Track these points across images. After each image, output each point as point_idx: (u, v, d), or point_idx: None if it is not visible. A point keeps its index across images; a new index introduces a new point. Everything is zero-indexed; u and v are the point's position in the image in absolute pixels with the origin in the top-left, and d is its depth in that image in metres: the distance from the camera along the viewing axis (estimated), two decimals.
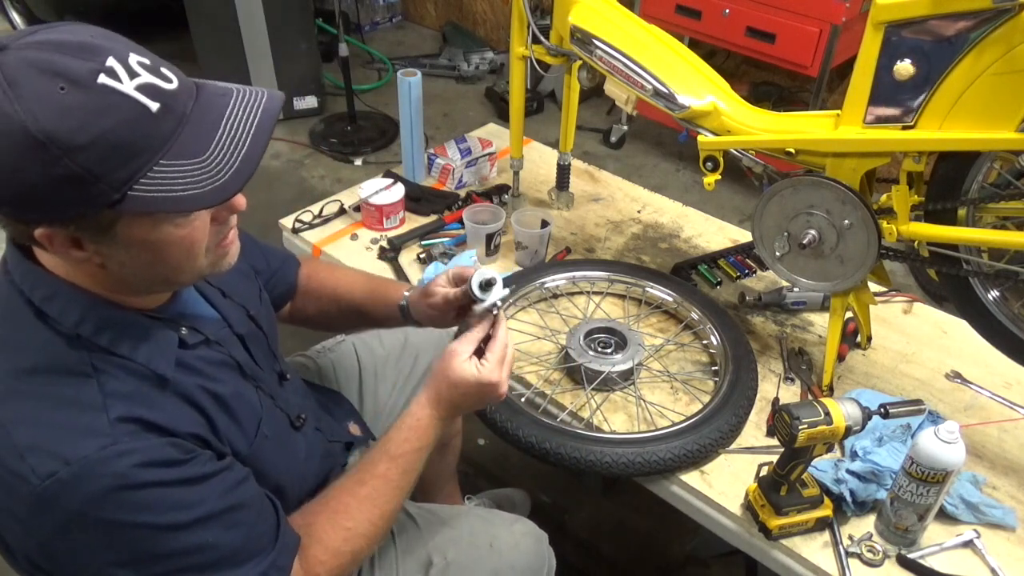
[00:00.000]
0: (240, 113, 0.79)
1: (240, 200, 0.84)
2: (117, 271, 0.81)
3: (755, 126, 1.38)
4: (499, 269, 1.75)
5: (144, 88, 0.72)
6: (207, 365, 0.92)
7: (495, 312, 1.07)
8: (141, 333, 0.85)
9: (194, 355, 0.91)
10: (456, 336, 1.12)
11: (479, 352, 1.06)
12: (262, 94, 0.81)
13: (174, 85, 0.75)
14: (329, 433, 1.22)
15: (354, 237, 1.83)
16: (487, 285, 1.07)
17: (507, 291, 1.08)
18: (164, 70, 0.75)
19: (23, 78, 0.67)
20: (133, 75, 0.72)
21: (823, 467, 1.25)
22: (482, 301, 1.07)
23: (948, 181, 1.24)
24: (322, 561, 0.95)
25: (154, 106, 0.72)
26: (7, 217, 0.75)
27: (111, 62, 0.71)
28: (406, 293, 1.26)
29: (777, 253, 1.40)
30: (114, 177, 0.71)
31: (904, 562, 1.16)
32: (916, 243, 1.34)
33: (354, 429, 1.31)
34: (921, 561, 1.16)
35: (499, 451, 2.08)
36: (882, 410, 1.14)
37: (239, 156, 0.77)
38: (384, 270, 1.74)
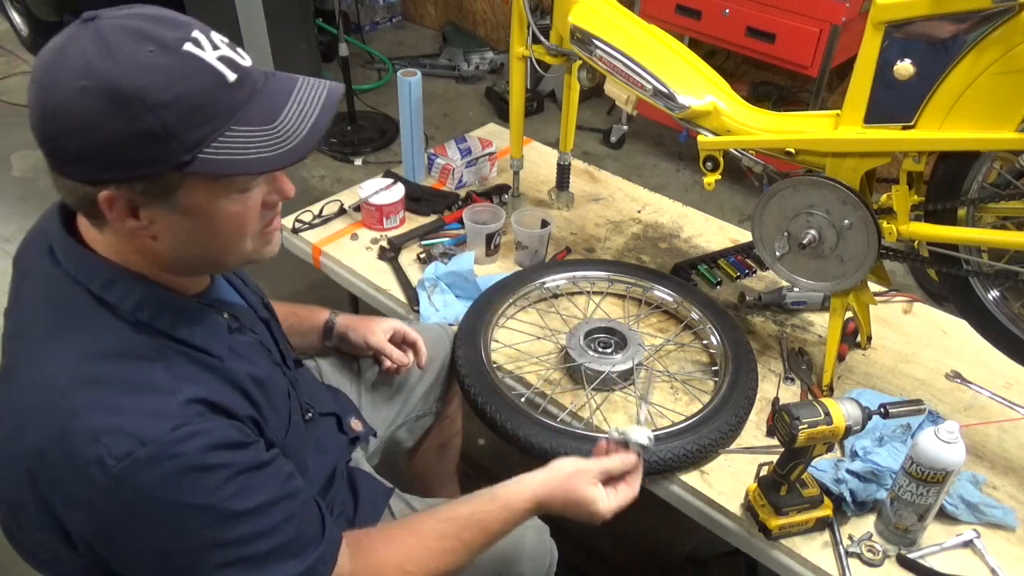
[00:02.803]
0: (307, 91, 0.84)
1: (289, 187, 0.88)
2: (168, 246, 0.82)
3: (755, 126, 1.38)
4: (499, 269, 1.75)
5: (224, 59, 0.78)
6: (248, 350, 0.95)
7: (643, 458, 1.10)
8: (194, 318, 0.88)
9: (236, 340, 0.93)
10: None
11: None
12: (326, 82, 0.87)
13: (249, 63, 0.81)
14: (335, 426, 1.25)
15: (354, 237, 1.83)
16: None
17: (652, 440, 1.10)
18: (240, 51, 0.82)
19: (116, 40, 0.73)
20: (215, 47, 0.78)
21: (823, 467, 1.25)
22: (638, 444, 1.08)
23: (948, 181, 1.24)
24: None
25: (231, 76, 0.78)
26: (76, 178, 0.77)
27: (196, 34, 0.77)
28: (332, 317, 1.38)
29: (777, 253, 1.40)
30: (188, 138, 0.75)
31: (904, 562, 1.16)
32: (916, 243, 1.34)
33: (356, 425, 1.32)
34: (921, 561, 1.16)
35: (499, 451, 2.07)
36: (882, 410, 1.14)
37: (307, 124, 0.82)
38: (384, 270, 1.74)
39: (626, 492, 1.07)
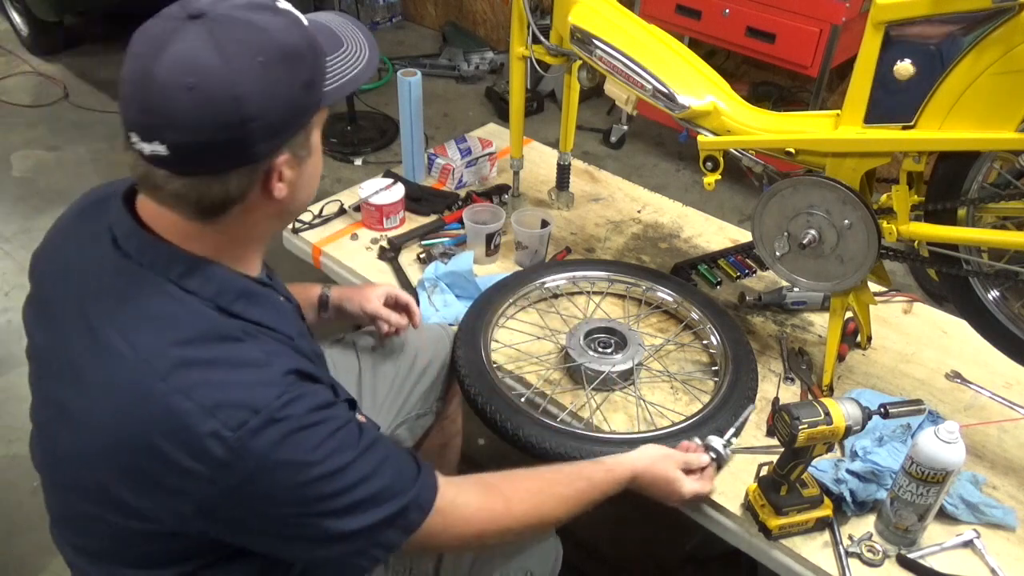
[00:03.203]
0: (338, 17, 0.94)
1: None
2: (291, 199, 0.88)
3: (755, 126, 1.38)
4: (499, 269, 1.75)
5: (292, 8, 0.85)
6: (304, 328, 1.02)
7: (722, 462, 1.26)
8: (262, 300, 0.91)
9: (297, 319, 1.01)
10: None
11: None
12: (342, 14, 0.97)
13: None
14: None
15: (354, 237, 1.83)
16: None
17: (727, 450, 1.26)
18: None
19: (244, 16, 0.78)
20: (282, 2, 0.84)
21: (823, 467, 1.25)
22: (715, 450, 1.25)
23: (948, 181, 1.24)
24: (450, 517, 0.98)
25: (303, 19, 0.85)
26: (260, 157, 0.81)
27: None
28: (326, 290, 1.41)
29: (777, 253, 1.40)
30: (319, 75, 0.84)
31: (904, 562, 1.16)
32: (916, 243, 1.34)
33: (361, 417, 1.32)
34: (921, 561, 1.16)
35: (499, 451, 2.07)
36: (882, 410, 1.14)
37: (364, 42, 0.92)
38: (384, 270, 1.74)
39: (703, 483, 1.21)
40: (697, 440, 1.26)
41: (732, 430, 1.29)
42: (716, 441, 1.25)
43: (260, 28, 0.77)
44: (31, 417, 1.02)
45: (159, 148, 0.77)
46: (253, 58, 0.76)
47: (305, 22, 0.84)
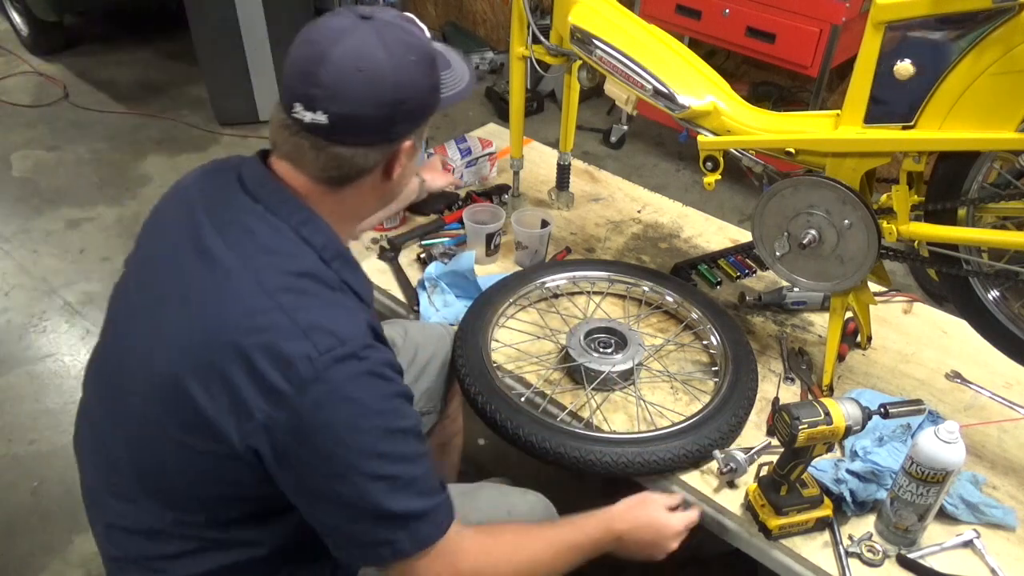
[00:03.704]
0: (442, 47, 1.10)
1: None
2: (398, 186, 1.05)
3: (755, 126, 1.38)
4: (499, 269, 1.75)
5: (426, 28, 1.03)
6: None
7: (738, 474, 1.27)
8: (354, 266, 1.03)
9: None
10: None
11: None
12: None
13: None
14: None
15: None
16: None
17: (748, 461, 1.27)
18: None
19: (400, 23, 0.97)
20: (419, 22, 1.03)
21: (823, 467, 1.25)
22: (740, 461, 1.25)
23: (948, 181, 1.24)
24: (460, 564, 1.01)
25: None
26: (399, 137, 0.98)
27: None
28: None
29: (777, 253, 1.40)
30: (438, 83, 1.01)
31: (904, 562, 1.16)
32: (916, 243, 1.34)
33: None
34: (921, 561, 1.16)
35: (499, 451, 2.07)
36: (882, 410, 1.14)
37: (466, 68, 1.10)
38: (384, 270, 1.74)
39: (690, 512, 1.21)
40: (717, 452, 1.26)
41: (759, 445, 1.30)
42: (738, 454, 1.25)
43: (412, 34, 0.96)
44: (103, 337, 1.10)
45: (320, 117, 0.92)
46: (407, 55, 0.94)
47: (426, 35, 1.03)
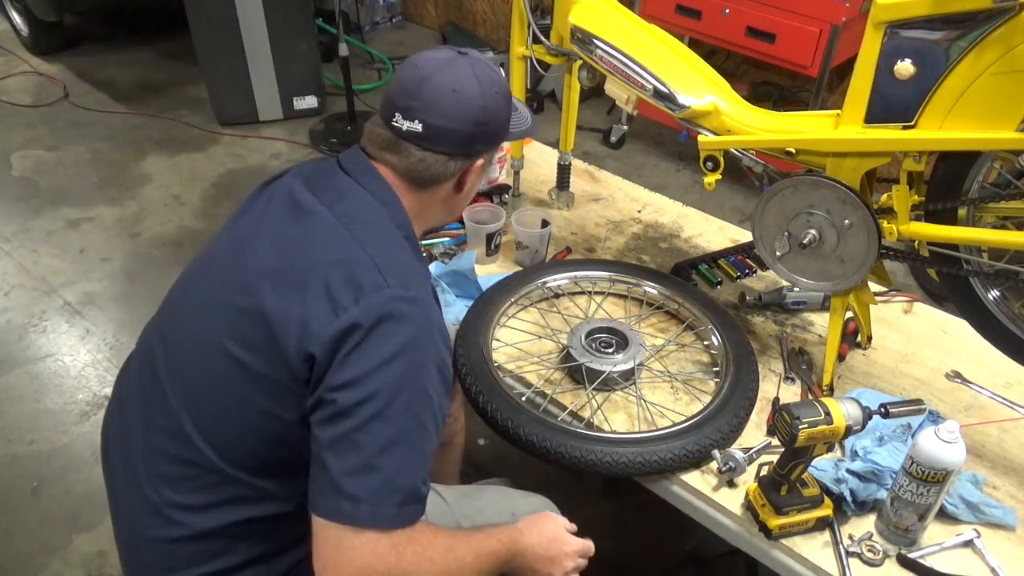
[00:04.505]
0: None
1: None
2: (464, 200, 1.22)
3: (755, 126, 1.38)
4: (499, 269, 1.75)
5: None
6: None
7: (738, 473, 1.27)
8: (418, 251, 1.16)
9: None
10: None
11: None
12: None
13: None
14: None
15: None
16: None
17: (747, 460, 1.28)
18: None
19: (491, 63, 1.16)
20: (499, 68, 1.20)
21: (823, 467, 1.25)
22: (738, 459, 1.26)
23: (948, 181, 1.24)
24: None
25: None
26: (476, 155, 1.15)
27: None
28: None
29: (777, 253, 1.40)
30: (510, 115, 1.20)
31: (904, 562, 1.16)
32: (916, 243, 1.34)
33: None
34: (921, 561, 1.16)
35: (500, 450, 2.08)
36: (882, 410, 1.14)
37: (528, 113, 1.29)
38: None
39: (587, 541, 1.23)
40: (716, 452, 1.26)
41: (759, 445, 1.30)
42: (737, 453, 1.25)
43: (497, 73, 1.16)
44: (171, 293, 1.20)
45: (416, 126, 1.09)
46: (492, 87, 1.13)
47: None
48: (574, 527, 1.24)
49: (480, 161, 1.16)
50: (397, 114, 1.09)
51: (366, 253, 1.01)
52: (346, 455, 0.95)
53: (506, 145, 1.98)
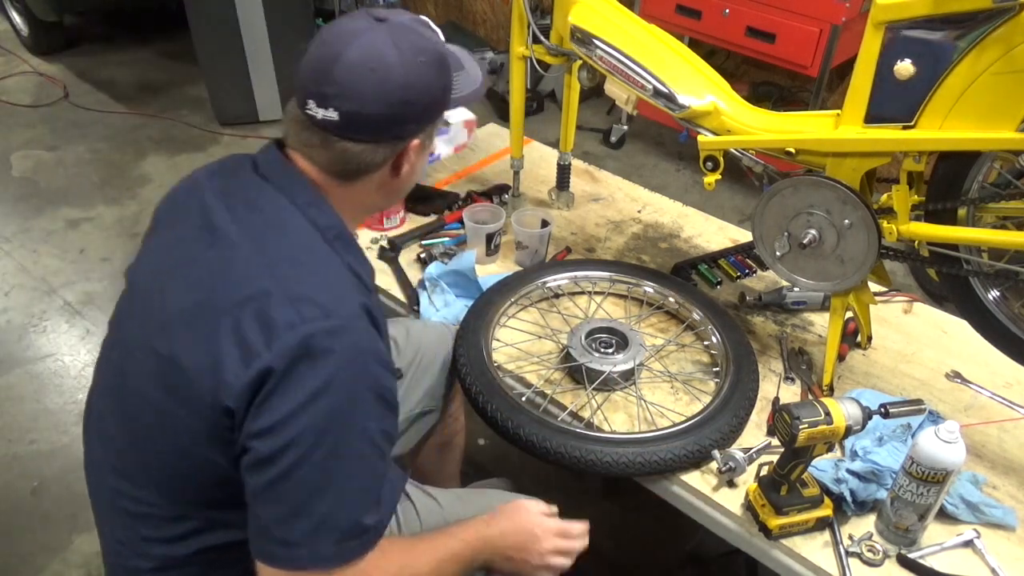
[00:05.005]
0: (457, 48, 1.12)
1: None
2: (406, 182, 1.07)
3: (755, 126, 1.38)
4: (499, 269, 1.75)
5: (439, 31, 1.05)
6: None
7: (738, 473, 1.26)
8: (356, 249, 1.04)
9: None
10: None
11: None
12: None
13: None
14: None
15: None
16: None
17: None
18: None
19: (416, 27, 1.00)
20: (432, 24, 1.05)
21: (823, 467, 1.25)
22: (738, 459, 1.25)
23: (948, 181, 1.24)
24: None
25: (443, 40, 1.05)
26: (409, 135, 1.00)
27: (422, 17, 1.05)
28: None
29: (777, 253, 1.40)
30: (450, 84, 1.03)
31: (904, 562, 1.16)
32: (916, 243, 1.34)
33: None
34: (921, 561, 1.16)
35: (500, 450, 2.08)
36: (882, 410, 1.14)
37: (478, 70, 1.11)
38: (384, 270, 1.74)
39: (572, 524, 1.20)
40: (716, 452, 1.26)
41: (759, 445, 1.30)
42: (737, 453, 1.25)
43: (424, 37, 0.99)
44: (111, 322, 1.11)
45: (332, 114, 0.94)
46: (417, 57, 0.97)
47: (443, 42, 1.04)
48: (554, 509, 1.21)
49: (415, 141, 1.02)
50: (310, 101, 0.95)
51: (280, 282, 0.91)
52: (273, 503, 0.91)
53: (505, 145, 1.98)
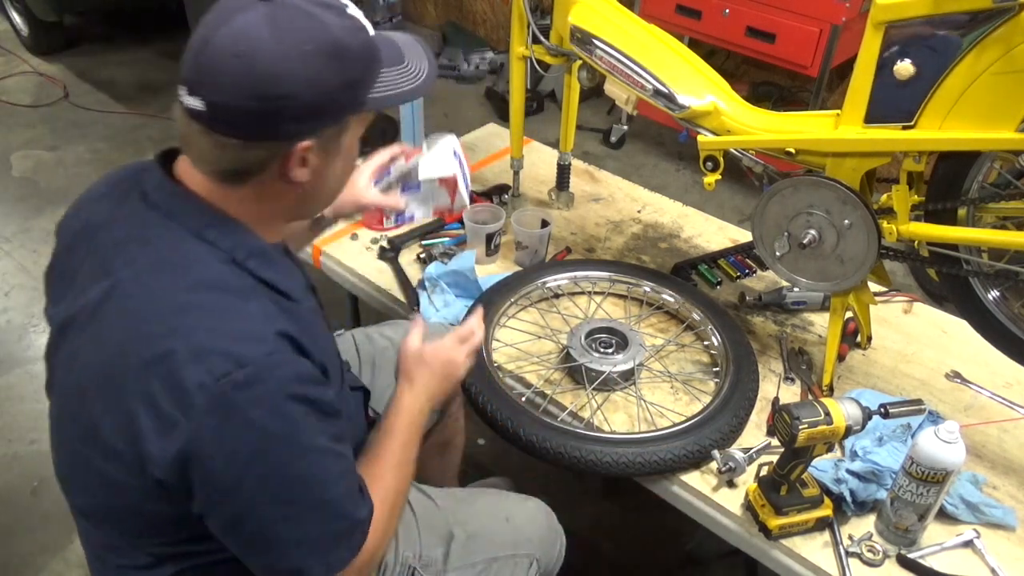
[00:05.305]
0: (406, 38, 1.00)
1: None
2: (315, 189, 0.93)
3: (755, 126, 1.38)
4: (499, 269, 1.75)
5: (361, 17, 0.90)
6: (313, 301, 1.03)
7: (738, 473, 1.26)
8: (278, 262, 0.94)
9: (307, 290, 1.02)
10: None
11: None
12: (412, 35, 1.03)
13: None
14: (362, 404, 1.27)
15: (354, 237, 1.83)
16: None
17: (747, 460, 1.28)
18: None
19: (309, 10, 0.84)
20: (352, 8, 0.90)
21: (823, 467, 1.25)
22: (739, 460, 1.26)
23: (948, 181, 1.24)
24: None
25: (371, 29, 0.90)
26: (286, 136, 0.85)
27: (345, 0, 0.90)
28: None
29: (777, 253, 1.40)
30: (367, 80, 0.89)
31: (904, 562, 1.16)
32: (916, 243, 1.34)
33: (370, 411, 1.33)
34: (921, 561, 1.16)
35: (499, 451, 2.08)
36: (882, 410, 1.14)
37: (425, 62, 0.97)
38: (384, 270, 1.74)
39: (461, 330, 1.23)
40: (716, 452, 1.26)
41: (759, 445, 1.30)
42: (737, 453, 1.25)
43: (319, 22, 0.84)
44: (47, 364, 1.03)
45: (198, 103, 0.82)
46: (301, 45, 0.82)
47: (371, 31, 0.90)
48: (465, 330, 1.24)
49: (305, 143, 0.86)
50: (182, 88, 0.84)
51: (182, 337, 0.82)
52: (263, 553, 0.90)
53: (505, 144, 1.98)
